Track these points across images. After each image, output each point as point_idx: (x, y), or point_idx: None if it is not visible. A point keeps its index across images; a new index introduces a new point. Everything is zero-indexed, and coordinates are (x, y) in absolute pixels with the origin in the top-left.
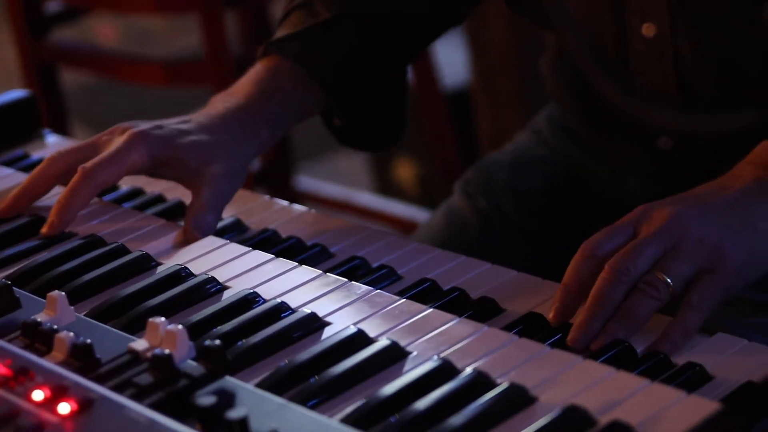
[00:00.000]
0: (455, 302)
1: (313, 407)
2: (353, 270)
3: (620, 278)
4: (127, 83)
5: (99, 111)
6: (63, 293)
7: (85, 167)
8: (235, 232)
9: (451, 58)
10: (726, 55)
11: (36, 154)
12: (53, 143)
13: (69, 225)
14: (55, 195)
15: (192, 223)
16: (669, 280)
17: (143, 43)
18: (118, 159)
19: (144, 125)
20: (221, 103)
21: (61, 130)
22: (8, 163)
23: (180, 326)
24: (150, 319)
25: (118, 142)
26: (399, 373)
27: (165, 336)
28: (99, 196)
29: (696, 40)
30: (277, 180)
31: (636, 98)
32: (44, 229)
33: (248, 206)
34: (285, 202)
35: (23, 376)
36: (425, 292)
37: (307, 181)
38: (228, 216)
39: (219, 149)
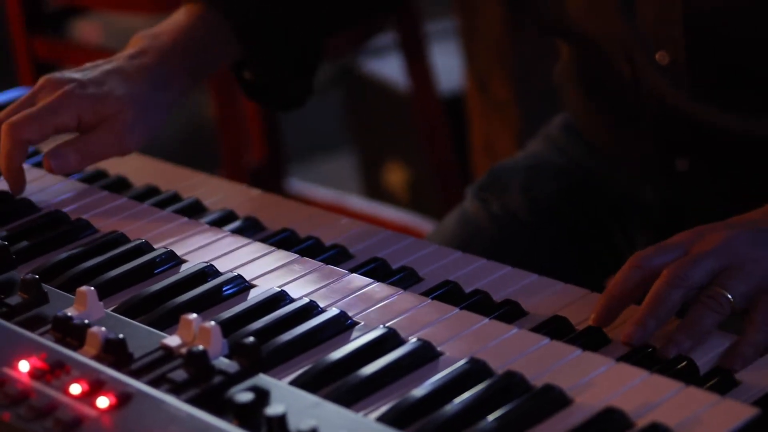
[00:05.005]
0: (479, 304)
1: (347, 406)
2: (374, 271)
3: (678, 282)
4: None
5: None
6: (93, 288)
7: (10, 123)
8: (252, 231)
9: (448, 63)
10: (745, 73)
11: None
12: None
13: (24, 183)
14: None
15: (51, 150)
16: (730, 296)
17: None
18: (45, 117)
19: (69, 84)
20: (146, 45)
21: None
22: None
23: (213, 323)
24: (183, 316)
25: (46, 99)
26: (432, 373)
27: (198, 332)
28: (116, 191)
29: (713, 65)
30: (268, 183)
31: (652, 121)
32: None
33: (263, 205)
34: (299, 203)
35: (59, 369)
36: (448, 294)
37: (298, 185)
38: (244, 215)
39: (135, 105)
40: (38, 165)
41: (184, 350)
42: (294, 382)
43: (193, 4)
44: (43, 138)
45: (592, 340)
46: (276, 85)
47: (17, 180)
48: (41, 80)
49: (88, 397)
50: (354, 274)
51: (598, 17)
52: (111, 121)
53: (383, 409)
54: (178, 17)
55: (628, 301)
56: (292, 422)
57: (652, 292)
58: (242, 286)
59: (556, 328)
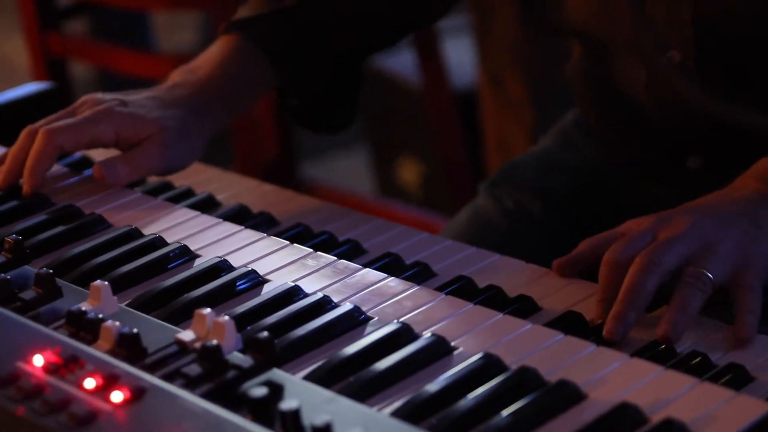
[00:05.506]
0: (493, 299)
1: (361, 401)
2: (388, 266)
3: (651, 269)
4: (137, 77)
5: None
6: (106, 283)
7: (47, 128)
8: (266, 226)
9: (461, 59)
10: (756, 72)
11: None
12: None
13: (40, 187)
14: None
15: (102, 161)
16: (710, 275)
17: None
18: (83, 128)
19: (110, 101)
20: (183, 79)
21: None
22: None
23: (227, 317)
24: (197, 311)
25: (86, 113)
26: (446, 369)
27: (212, 327)
28: (129, 186)
29: (724, 65)
30: (281, 179)
31: (665, 120)
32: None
33: (276, 200)
34: (312, 198)
35: (73, 364)
36: (462, 290)
37: (311, 180)
38: (257, 210)
39: (176, 125)
40: (69, 165)
41: (198, 345)
42: (308, 377)
43: (229, 35)
44: (77, 147)
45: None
46: (318, 109)
47: (35, 182)
48: (83, 97)
49: (103, 391)
50: (368, 269)
51: (607, 19)
52: (152, 139)
53: (397, 404)
54: (215, 50)
55: None
56: (306, 417)
57: (626, 283)
58: (256, 281)
59: (570, 323)
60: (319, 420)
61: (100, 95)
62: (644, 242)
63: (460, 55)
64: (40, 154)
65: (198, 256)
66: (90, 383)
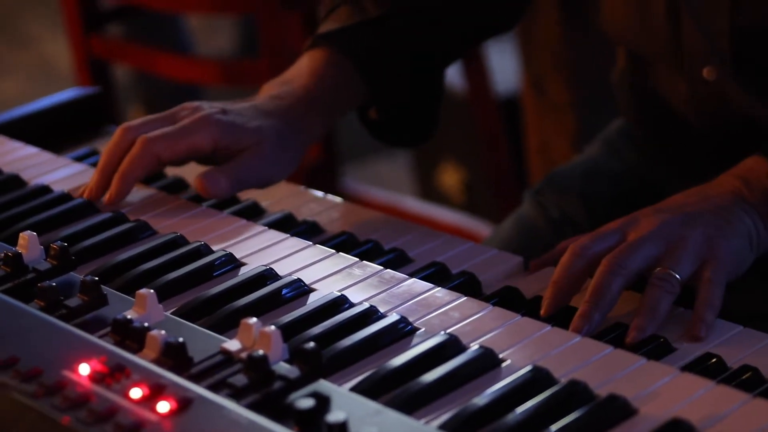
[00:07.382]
0: (540, 311)
1: (408, 413)
2: (434, 276)
3: (617, 271)
4: (177, 80)
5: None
6: (152, 291)
7: (146, 137)
8: (311, 234)
9: (504, 64)
10: None
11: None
12: None
13: (127, 195)
14: None
15: (204, 173)
16: (677, 276)
17: None
18: (181, 136)
19: (210, 109)
20: (281, 91)
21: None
22: (77, 159)
23: (274, 327)
24: (243, 320)
25: (185, 120)
26: (494, 381)
27: (259, 337)
28: (173, 192)
29: (764, 73)
30: (323, 183)
31: (708, 131)
32: (105, 200)
33: (321, 208)
34: (356, 206)
35: (119, 373)
36: (509, 300)
37: (353, 185)
38: (302, 217)
39: (275, 136)
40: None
41: (244, 355)
42: (355, 389)
43: (317, 49)
44: (174, 157)
45: (656, 348)
46: (401, 122)
47: (122, 188)
48: (183, 104)
49: (149, 401)
50: (414, 278)
51: (644, 31)
52: (251, 150)
53: (445, 417)
54: (306, 62)
55: (574, 290)
56: (353, 429)
57: (593, 284)
58: (302, 289)
59: (618, 335)
60: None
61: (199, 102)
62: (611, 240)
63: (503, 61)
64: (135, 159)
65: (243, 264)
66: (136, 393)
